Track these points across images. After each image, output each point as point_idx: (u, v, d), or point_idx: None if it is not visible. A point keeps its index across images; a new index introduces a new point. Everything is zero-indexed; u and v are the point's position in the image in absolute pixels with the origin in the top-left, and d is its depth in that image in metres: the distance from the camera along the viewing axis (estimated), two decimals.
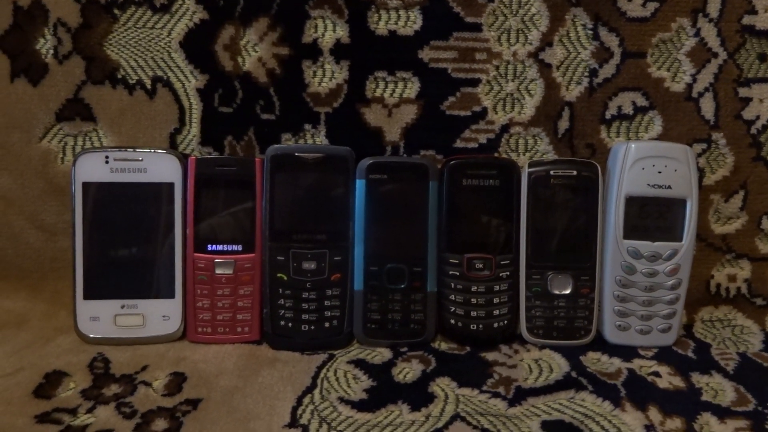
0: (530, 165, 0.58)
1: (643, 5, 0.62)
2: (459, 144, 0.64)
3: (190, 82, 0.63)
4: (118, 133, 0.63)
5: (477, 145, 0.64)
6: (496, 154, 0.64)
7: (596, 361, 0.56)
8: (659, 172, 0.57)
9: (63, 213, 0.64)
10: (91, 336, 0.57)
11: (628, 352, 0.57)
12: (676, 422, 0.46)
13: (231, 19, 0.62)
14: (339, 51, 0.62)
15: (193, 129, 0.63)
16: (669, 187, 0.57)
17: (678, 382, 0.52)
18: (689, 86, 0.63)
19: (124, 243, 0.57)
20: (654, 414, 0.47)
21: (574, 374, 0.53)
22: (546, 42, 0.62)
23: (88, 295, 0.57)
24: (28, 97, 0.62)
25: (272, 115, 0.63)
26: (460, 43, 0.62)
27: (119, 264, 0.56)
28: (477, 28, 0.62)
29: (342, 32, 0.62)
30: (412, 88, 0.63)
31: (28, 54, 0.62)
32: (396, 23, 0.62)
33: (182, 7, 0.62)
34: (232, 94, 0.63)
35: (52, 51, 0.62)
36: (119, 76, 0.62)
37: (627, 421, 0.46)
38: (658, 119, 0.64)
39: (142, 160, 0.56)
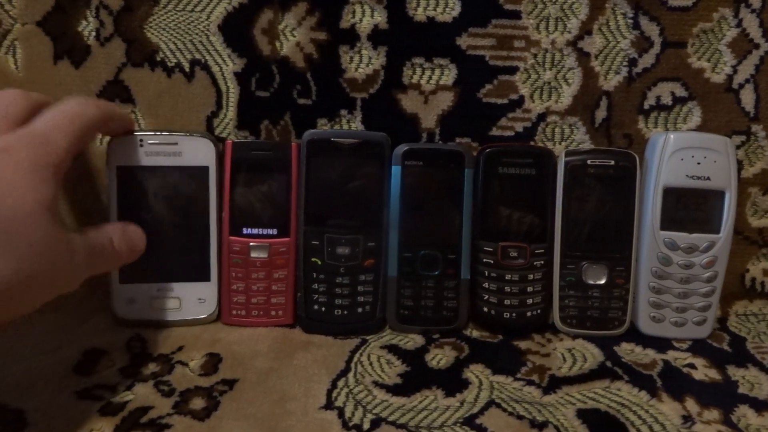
0: (567, 154, 0.58)
1: None
2: (495, 132, 0.64)
3: (227, 65, 0.63)
4: (156, 115, 0.64)
5: (513, 134, 0.64)
6: (532, 143, 0.64)
7: (630, 352, 0.56)
8: (698, 164, 0.56)
9: (100, 194, 0.65)
10: (128, 319, 0.58)
11: (662, 344, 0.57)
12: (713, 413, 0.46)
13: (270, 3, 0.62)
14: (376, 37, 0.62)
15: (230, 113, 0.64)
16: (708, 178, 0.56)
17: (714, 374, 0.52)
18: (729, 77, 0.62)
19: (159, 227, 0.57)
20: (691, 405, 0.47)
21: (608, 364, 0.53)
22: (585, 30, 0.62)
23: (124, 279, 0.57)
24: (70, 78, 0.63)
25: (309, 100, 0.63)
26: (498, 31, 0.62)
27: (155, 248, 0.56)
28: (516, 15, 0.62)
29: (380, 18, 0.62)
30: (449, 75, 0.63)
31: (70, 36, 0.63)
32: (434, 10, 0.62)
33: None
34: (269, 78, 0.63)
35: (94, 33, 0.63)
36: (158, 59, 0.63)
37: (664, 411, 0.46)
38: (697, 110, 0.63)
39: (177, 143, 0.56)
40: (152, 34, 0.63)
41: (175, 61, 0.63)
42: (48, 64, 0.63)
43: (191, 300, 0.58)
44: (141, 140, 0.56)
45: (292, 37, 0.62)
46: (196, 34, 0.63)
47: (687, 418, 0.45)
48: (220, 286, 0.59)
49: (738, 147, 0.63)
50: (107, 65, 0.63)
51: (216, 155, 0.57)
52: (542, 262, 0.58)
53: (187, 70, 0.63)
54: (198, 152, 0.57)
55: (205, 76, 0.63)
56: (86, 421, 0.43)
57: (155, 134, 0.56)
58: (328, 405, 0.46)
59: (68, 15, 0.63)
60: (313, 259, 0.58)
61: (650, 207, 0.57)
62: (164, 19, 0.63)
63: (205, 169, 0.57)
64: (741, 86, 0.62)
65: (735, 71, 0.62)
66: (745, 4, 0.61)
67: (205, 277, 0.58)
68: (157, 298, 0.58)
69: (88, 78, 0.63)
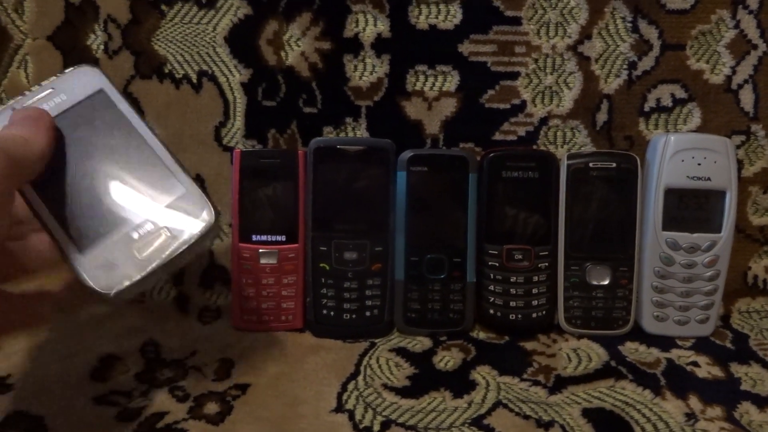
0: (569, 157, 0.59)
1: None
2: (498, 136, 0.65)
3: (234, 76, 0.64)
4: (165, 126, 0.65)
5: (516, 138, 0.65)
6: (534, 147, 0.65)
7: (635, 351, 0.57)
8: (698, 164, 0.57)
9: None
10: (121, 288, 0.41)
11: (665, 342, 0.58)
12: (716, 410, 0.47)
13: (274, 14, 0.63)
14: (380, 45, 0.63)
15: (237, 122, 0.65)
16: (708, 178, 0.57)
17: (717, 371, 0.53)
18: (728, 78, 0.63)
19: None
20: (694, 402, 0.48)
21: (613, 363, 0.54)
22: (585, 35, 0.63)
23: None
24: None
25: (314, 109, 0.65)
26: (499, 37, 0.63)
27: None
28: (516, 21, 0.63)
29: (383, 26, 0.63)
30: (452, 81, 0.64)
31: (79, 49, 0.64)
32: (436, 17, 0.63)
33: (227, 3, 0.63)
34: (275, 88, 0.64)
35: (102, 46, 0.64)
36: (166, 71, 0.64)
37: (668, 409, 0.47)
38: (697, 111, 0.64)
39: (53, 89, 0.42)
40: (160, 46, 0.64)
41: (182, 72, 0.64)
42: None
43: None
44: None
45: (297, 47, 0.64)
46: (203, 45, 0.64)
47: (690, 416, 0.46)
48: (231, 291, 0.60)
49: (738, 146, 0.64)
50: (116, 78, 0.64)
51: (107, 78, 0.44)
52: (546, 263, 0.59)
53: (195, 81, 0.64)
54: (82, 84, 0.43)
55: (212, 87, 0.64)
56: (104, 427, 0.45)
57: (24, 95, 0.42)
58: (339, 408, 0.48)
59: (77, 29, 0.64)
60: (321, 265, 0.59)
61: (652, 208, 0.58)
62: (171, 32, 0.64)
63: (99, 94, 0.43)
64: (740, 86, 0.63)
65: (734, 72, 0.63)
66: (742, 6, 0.62)
67: (175, 191, 0.42)
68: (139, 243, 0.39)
69: None
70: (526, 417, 0.46)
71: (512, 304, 0.59)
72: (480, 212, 0.59)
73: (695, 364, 0.54)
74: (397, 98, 0.64)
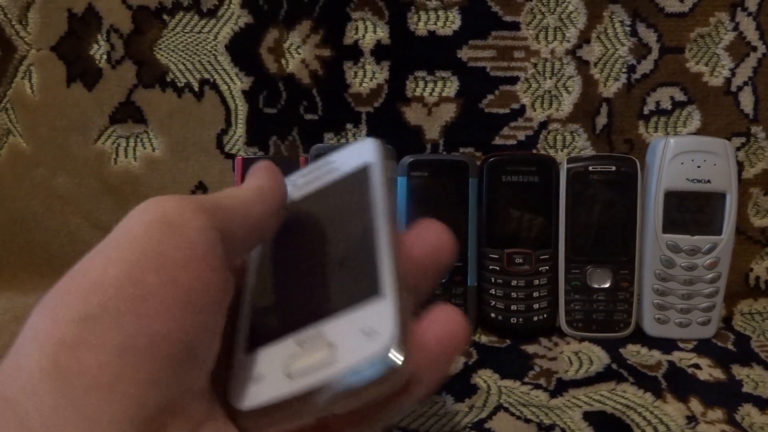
0: (569, 161, 0.59)
1: (681, 1, 0.62)
2: (498, 141, 0.65)
3: (235, 84, 0.65)
4: (168, 134, 0.66)
5: (515, 142, 0.65)
6: (534, 151, 0.65)
7: (636, 354, 0.57)
8: (698, 167, 0.57)
9: (116, 212, 0.67)
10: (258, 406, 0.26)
11: (667, 345, 0.58)
12: (717, 413, 0.47)
13: (275, 22, 0.64)
14: (379, 52, 0.64)
15: (239, 129, 0.65)
16: (708, 181, 0.57)
17: (718, 373, 0.53)
18: (728, 80, 0.63)
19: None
20: (695, 405, 0.48)
21: (614, 366, 0.54)
22: (583, 39, 0.63)
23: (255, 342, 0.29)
24: (84, 100, 0.65)
25: (315, 116, 0.65)
26: (498, 42, 0.63)
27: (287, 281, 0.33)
28: (515, 26, 0.63)
29: (382, 33, 0.64)
30: (452, 87, 0.64)
31: (83, 59, 0.65)
32: (435, 23, 0.63)
33: (228, 12, 0.64)
34: (276, 95, 0.65)
35: (105, 56, 0.65)
36: (168, 80, 0.65)
37: (669, 411, 0.47)
38: (697, 114, 0.64)
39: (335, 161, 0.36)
40: (162, 55, 0.65)
41: (184, 81, 0.65)
42: (62, 87, 0.65)
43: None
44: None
45: (298, 54, 0.64)
46: (205, 54, 0.64)
47: (691, 419, 0.46)
48: None
49: (738, 149, 0.64)
50: (119, 87, 0.65)
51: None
52: (547, 267, 0.59)
53: (197, 89, 0.65)
54: (355, 156, 0.35)
55: (214, 95, 0.65)
56: None
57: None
58: None
59: (80, 39, 0.65)
60: None
61: (652, 210, 0.58)
62: (173, 41, 0.64)
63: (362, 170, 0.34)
64: (740, 89, 0.63)
65: (733, 74, 0.63)
66: (741, 8, 0.62)
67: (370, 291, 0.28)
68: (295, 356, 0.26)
69: (101, 99, 0.65)
70: (528, 420, 0.47)
71: (513, 307, 0.59)
72: (480, 217, 0.59)
73: (697, 366, 0.54)
74: (397, 104, 0.65)
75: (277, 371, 0.25)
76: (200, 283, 0.23)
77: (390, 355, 0.23)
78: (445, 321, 0.25)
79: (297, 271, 0.30)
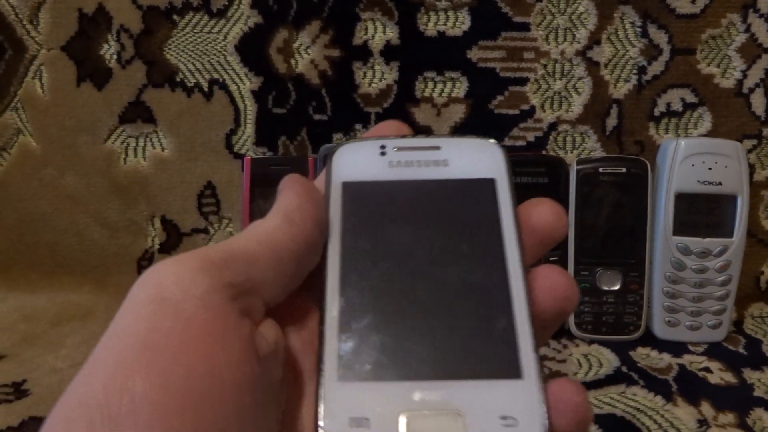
0: (578, 162, 0.59)
1: (693, 2, 0.62)
2: (507, 142, 0.65)
3: (245, 84, 0.65)
4: (177, 134, 0.66)
5: (525, 143, 0.65)
6: (544, 152, 0.65)
7: (646, 357, 0.56)
8: (709, 169, 0.57)
9: (125, 211, 0.67)
10: None
11: (677, 348, 0.58)
12: (729, 417, 0.47)
13: (284, 22, 0.64)
14: (389, 52, 0.64)
15: (248, 130, 0.65)
16: (719, 183, 0.57)
17: (729, 377, 0.53)
18: (739, 82, 0.63)
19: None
20: (706, 409, 0.48)
21: (624, 369, 0.54)
22: (594, 40, 0.63)
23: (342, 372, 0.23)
24: (93, 100, 0.65)
25: (324, 116, 0.65)
26: (508, 43, 0.63)
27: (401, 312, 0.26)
28: (525, 27, 0.63)
29: (392, 34, 0.63)
30: (461, 87, 0.64)
31: (93, 59, 0.65)
32: (445, 24, 0.63)
33: (237, 12, 0.64)
34: (285, 95, 0.65)
35: (115, 56, 0.65)
36: (178, 80, 0.65)
37: (679, 415, 0.47)
38: (708, 116, 0.63)
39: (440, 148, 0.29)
40: (171, 55, 0.65)
41: (194, 81, 0.65)
42: (72, 87, 0.65)
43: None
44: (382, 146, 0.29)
45: (307, 54, 0.64)
46: (214, 54, 0.64)
47: (702, 422, 0.46)
48: None
49: (749, 151, 0.64)
50: (129, 87, 0.65)
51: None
52: None
53: (206, 89, 0.65)
54: (475, 161, 0.28)
55: (223, 95, 0.65)
56: None
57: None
58: None
59: (91, 39, 0.65)
60: None
61: (662, 213, 0.58)
62: (183, 41, 0.65)
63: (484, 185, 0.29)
64: (751, 90, 0.63)
65: (745, 76, 0.63)
66: (753, 9, 0.62)
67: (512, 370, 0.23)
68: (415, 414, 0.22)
69: (111, 99, 0.65)
70: None
71: None
72: None
73: (707, 369, 0.54)
74: (407, 105, 0.65)
75: (389, 424, 0.21)
76: (202, 369, 0.19)
77: None
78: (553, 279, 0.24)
79: (404, 287, 0.24)
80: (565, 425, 0.21)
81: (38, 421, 0.46)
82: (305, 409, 0.23)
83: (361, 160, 0.27)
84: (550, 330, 0.25)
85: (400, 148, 0.27)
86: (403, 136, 0.28)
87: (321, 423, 0.21)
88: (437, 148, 0.27)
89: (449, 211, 0.26)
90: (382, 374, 0.22)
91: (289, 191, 0.25)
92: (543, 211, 0.26)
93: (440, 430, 0.21)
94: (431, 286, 0.24)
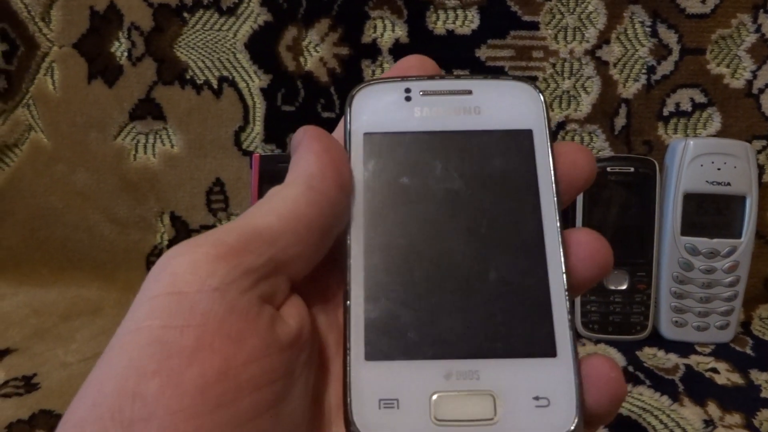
0: None
1: (703, 2, 0.62)
2: None
3: (254, 81, 0.65)
4: (186, 131, 0.66)
5: None
6: None
7: (653, 357, 0.56)
8: (718, 169, 0.57)
9: (135, 207, 0.67)
10: None
11: (684, 348, 0.58)
12: (735, 418, 0.47)
13: (294, 20, 0.64)
14: (398, 50, 0.64)
15: (257, 127, 0.66)
16: (728, 183, 0.57)
17: (737, 378, 0.53)
18: (749, 82, 0.63)
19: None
20: (713, 409, 0.48)
21: (630, 369, 0.54)
22: (603, 40, 0.63)
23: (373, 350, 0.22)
24: (104, 97, 0.66)
25: (333, 114, 0.65)
26: (517, 42, 0.63)
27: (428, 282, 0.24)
28: (534, 26, 0.63)
29: (401, 32, 0.64)
30: None
31: (104, 56, 0.66)
32: (454, 23, 0.63)
33: (247, 10, 0.64)
34: (294, 93, 0.65)
35: (126, 53, 0.65)
36: (188, 77, 0.65)
37: (686, 415, 0.47)
38: (717, 116, 0.63)
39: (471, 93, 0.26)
40: (181, 53, 0.65)
41: (203, 78, 0.65)
42: (83, 84, 0.66)
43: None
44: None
45: (316, 52, 0.64)
46: (224, 52, 0.65)
47: (709, 423, 0.46)
48: None
49: (759, 151, 0.63)
50: (139, 84, 0.66)
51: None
52: None
53: (216, 87, 0.65)
54: (511, 109, 0.25)
55: (232, 93, 0.65)
56: None
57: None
58: None
59: (102, 36, 0.65)
60: None
61: (671, 213, 0.58)
62: (193, 39, 0.65)
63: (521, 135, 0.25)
64: (761, 91, 0.63)
65: (755, 76, 0.63)
66: (764, 10, 0.62)
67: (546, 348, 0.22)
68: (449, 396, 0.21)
69: (121, 96, 0.66)
70: None
71: None
72: None
73: (714, 370, 0.54)
74: None
75: (420, 405, 0.20)
76: (218, 369, 0.18)
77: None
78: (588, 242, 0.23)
79: (434, 258, 0.22)
80: (600, 402, 0.20)
81: (48, 414, 0.47)
82: (332, 389, 0.22)
83: (384, 107, 0.25)
84: (580, 293, 0.24)
85: (426, 93, 0.25)
86: (431, 77, 0.25)
87: (349, 405, 0.20)
88: (468, 92, 0.25)
89: (482, 170, 0.24)
90: (412, 353, 0.21)
91: (307, 151, 0.23)
92: (570, 152, 0.24)
93: (471, 412, 0.20)
94: (463, 256, 0.22)
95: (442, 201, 0.23)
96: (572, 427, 0.20)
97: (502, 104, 0.25)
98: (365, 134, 0.24)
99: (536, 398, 0.20)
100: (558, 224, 0.23)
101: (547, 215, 0.23)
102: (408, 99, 0.25)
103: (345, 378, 0.21)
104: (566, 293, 0.22)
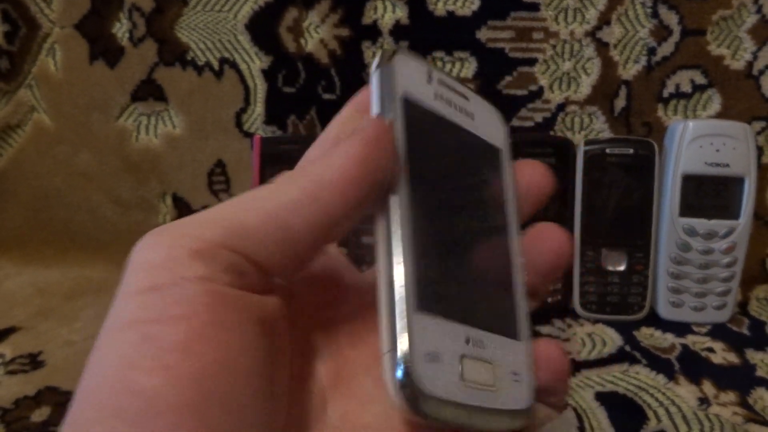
0: (586, 143, 0.59)
1: None
2: (515, 123, 0.65)
3: (255, 63, 0.65)
4: (188, 112, 0.66)
5: (533, 124, 0.65)
6: (552, 133, 0.65)
7: (650, 336, 0.57)
8: (717, 151, 0.57)
9: (137, 188, 0.68)
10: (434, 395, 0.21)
11: (681, 328, 0.58)
12: (730, 396, 0.47)
13: (294, 2, 0.64)
14: (398, 32, 0.64)
15: (258, 108, 0.66)
16: (727, 165, 0.57)
17: (732, 357, 0.53)
18: (750, 64, 0.63)
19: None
20: (708, 387, 0.48)
21: (627, 348, 0.54)
22: (604, 21, 0.63)
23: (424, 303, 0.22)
24: (105, 79, 0.66)
25: (333, 95, 0.65)
26: (517, 23, 0.63)
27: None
28: (534, 7, 0.63)
29: (401, 13, 0.64)
30: (470, 67, 0.64)
31: (105, 38, 0.66)
32: (454, 4, 0.63)
33: None
34: (295, 74, 0.65)
35: (127, 35, 0.66)
36: (189, 58, 0.66)
37: (681, 393, 0.48)
38: (717, 97, 0.63)
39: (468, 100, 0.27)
40: (182, 34, 0.65)
41: (204, 60, 0.65)
42: (85, 65, 0.66)
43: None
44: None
45: (316, 34, 0.65)
46: (225, 33, 0.65)
47: (703, 400, 0.47)
48: None
49: (758, 133, 0.63)
50: (140, 65, 0.66)
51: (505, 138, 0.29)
52: None
53: (217, 68, 0.65)
54: (490, 126, 0.28)
55: (233, 74, 0.66)
56: None
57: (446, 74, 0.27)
58: None
59: (103, 18, 0.66)
60: None
61: (669, 194, 0.58)
62: (194, 20, 0.65)
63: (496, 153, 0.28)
64: (761, 72, 0.63)
65: (755, 57, 0.63)
66: None
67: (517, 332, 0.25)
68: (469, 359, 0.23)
69: (123, 78, 0.66)
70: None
71: None
72: None
73: (710, 350, 0.54)
74: None
75: (454, 363, 0.22)
76: (212, 357, 0.18)
77: (529, 411, 0.23)
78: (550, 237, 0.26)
79: (464, 228, 0.25)
80: (548, 378, 0.24)
81: (53, 390, 0.48)
82: (322, 369, 0.23)
83: (416, 79, 0.25)
84: (550, 282, 0.27)
85: (442, 82, 0.26)
86: (441, 70, 0.26)
87: (404, 353, 0.20)
88: (467, 98, 0.27)
89: (475, 168, 0.26)
90: (450, 313, 0.22)
91: (348, 150, 0.21)
92: (531, 171, 0.27)
93: (483, 378, 0.22)
94: (481, 236, 0.25)
95: (463, 183, 0.26)
96: (533, 401, 0.23)
97: (486, 120, 0.28)
98: (405, 99, 0.24)
99: (514, 373, 0.23)
100: (517, 232, 0.26)
101: (510, 220, 0.26)
102: (429, 81, 0.26)
103: (392, 328, 0.21)
104: (523, 287, 0.25)
